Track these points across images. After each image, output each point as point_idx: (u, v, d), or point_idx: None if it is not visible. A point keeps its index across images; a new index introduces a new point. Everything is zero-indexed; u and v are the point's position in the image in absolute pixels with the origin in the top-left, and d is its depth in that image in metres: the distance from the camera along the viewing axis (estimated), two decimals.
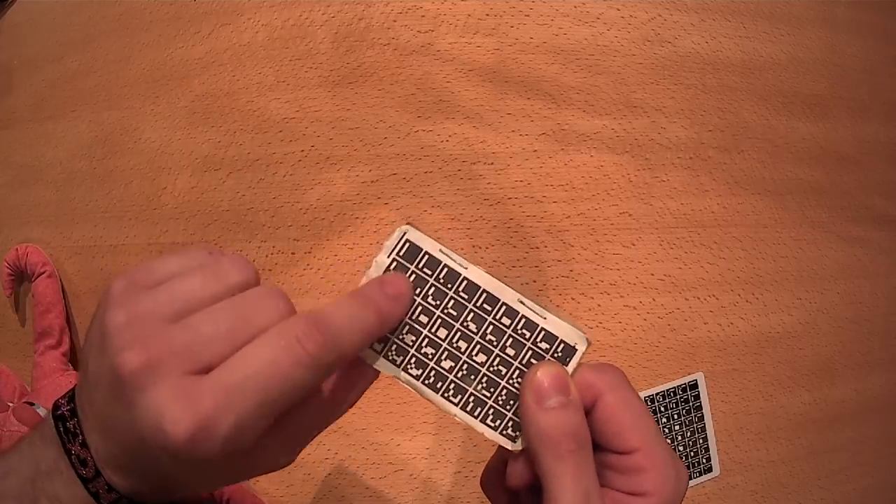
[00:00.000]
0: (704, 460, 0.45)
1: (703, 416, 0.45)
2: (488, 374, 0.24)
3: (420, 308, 0.24)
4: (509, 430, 0.24)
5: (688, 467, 0.45)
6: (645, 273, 0.45)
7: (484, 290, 0.24)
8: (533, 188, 0.44)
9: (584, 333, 0.24)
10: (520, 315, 0.24)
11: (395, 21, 0.44)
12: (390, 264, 0.24)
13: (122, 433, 0.21)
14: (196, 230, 0.47)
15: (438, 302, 0.24)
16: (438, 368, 0.24)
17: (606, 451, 0.24)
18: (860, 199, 0.48)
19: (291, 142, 0.45)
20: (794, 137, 0.47)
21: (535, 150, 0.44)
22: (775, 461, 0.46)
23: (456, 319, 0.24)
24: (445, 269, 0.24)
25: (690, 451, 0.45)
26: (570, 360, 0.24)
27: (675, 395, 0.45)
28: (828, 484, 0.47)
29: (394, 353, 0.24)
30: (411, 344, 0.24)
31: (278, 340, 0.21)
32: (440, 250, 0.24)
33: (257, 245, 0.46)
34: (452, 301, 0.24)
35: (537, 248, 0.44)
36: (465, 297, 0.24)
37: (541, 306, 0.24)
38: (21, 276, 0.50)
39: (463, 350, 0.24)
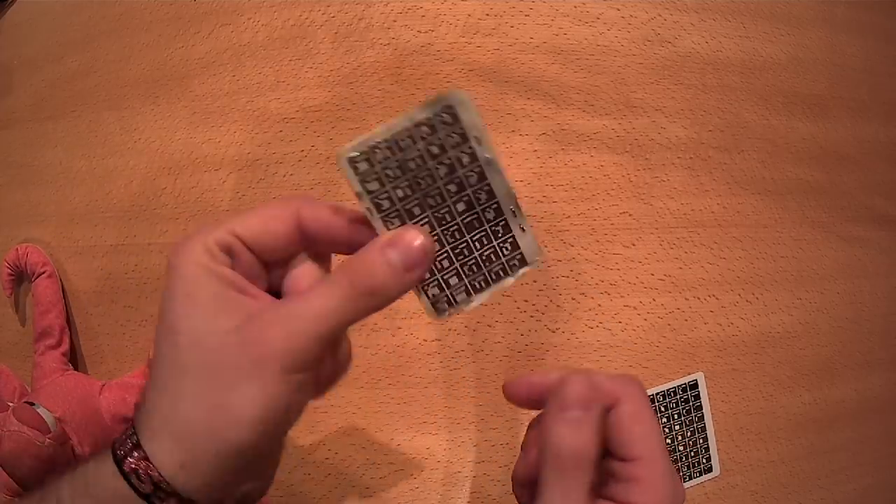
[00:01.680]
0: (704, 460, 0.45)
1: (703, 416, 0.45)
2: (450, 251, 0.25)
3: (427, 172, 0.24)
4: (440, 304, 0.26)
5: (688, 467, 0.45)
6: (645, 273, 0.45)
7: (489, 184, 0.25)
8: (533, 188, 0.44)
9: (544, 254, 0.26)
10: (503, 218, 0.25)
11: (395, 21, 0.44)
12: (423, 120, 0.24)
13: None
14: None
15: (447, 173, 0.24)
16: (409, 218, 0.25)
17: (611, 458, 0.24)
18: (860, 199, 0.48)
19: (291, 142, 0.45)
20: (794, 137, 0.47)
21: (535, 150, 0.44)
22: (775, 461, 0.46)
23: (450, 195, 0.25)
24: (469, 150, 0.24)
25: (690, 451, 0.45)
26: (519, 270, 0.26)
27: (675, 395, 0.45)
28: (828, 484, 0.47)
29: (381, 199, 0.25)
30: (401, 198, 0.25)
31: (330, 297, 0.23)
32: (475, 136, 0.24)
33: None
34: (458, 180, 0.25)
35: None
36: (471, 181, 0.25)
37: (528, 223, 0.25)
38: (21, 276, 0.51)
39: (442, 223, 0.25)
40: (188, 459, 0.22)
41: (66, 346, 0.47)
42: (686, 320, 0.45)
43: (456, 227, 0.25)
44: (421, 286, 0.26)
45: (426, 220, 0.25)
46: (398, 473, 0.45)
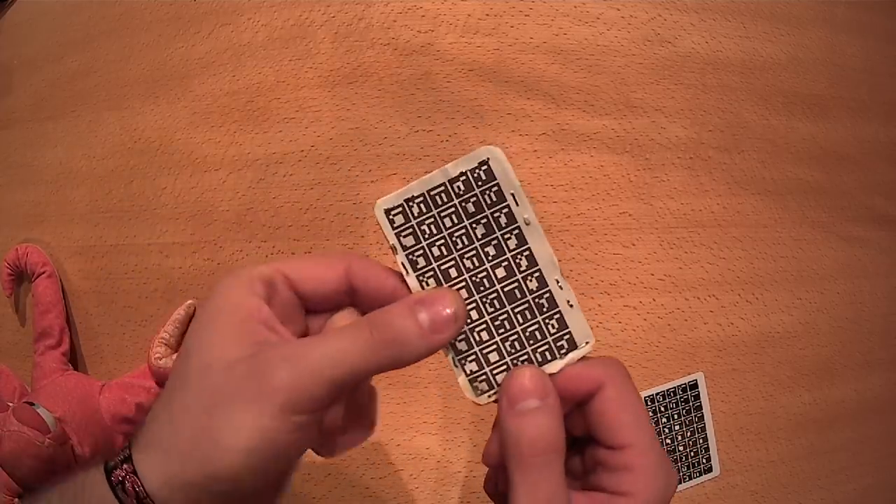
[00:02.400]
0: (704, 460, 0.45)
1: (703, 416, 0.45)
2: (490, 322, 0.24)
3: (464, 230, 0.24)
4: (478, 383, 0.24)
5: (688, 467, 0.45)
6: (645, 273, 0.45)
7: (529, 248, 0.24)
8: (533, 188, 0.44)
9: (593, 337, 0.24)
10: (548, 289, 0.24)
11: (395, 21, 0.44)
12: (458, 176, 0.23)
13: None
14: (196, 230, 0.47)
15: (484, 233, 0.24)
16: (446, 280, 0.24)
17: (598, 446, 0.23)
18: (860, 199, 0.48)
19: (291, 142, 0.45)
20: (794, 137, 0.47)
21: (535, 150, 0.44)
22: (775, 461, 0.46)
23: (489, 258, 0.24)
24: (506, 209, 0.24)
25: (690, 451, 0.45)
26: (567, 355, 0.24)
27: (675, 395, 0.45)
28: (828, 484, 0.47)
29: (416, 256, 0.24)
30: (436, 256, 0.24)
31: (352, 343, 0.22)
32: (512, 193, 0.23)
33: (257, 245, 0.46)
34: (496, 241, 0.24)
35: None
36: (510, 245, 0.24)
37: (575, 298, 0.24)
38: (21, 276, 0.51)
39: (480, 289, 0.24)
40: (174, 477, 0.21)
41: (66, 346, 0.47)
42: (686, 320, 0.45)
43: (495, 294, 0.24)
44: (458, 360, 0.24)
45: (463, 284, 0.24)
46: (398, 473, 0.45)
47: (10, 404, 0.41)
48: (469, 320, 0.24)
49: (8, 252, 0.50)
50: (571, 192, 0.44)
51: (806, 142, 0.47)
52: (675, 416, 0.45)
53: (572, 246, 0.44)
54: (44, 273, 0.48)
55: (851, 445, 0.48)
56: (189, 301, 0.46)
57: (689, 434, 0.45)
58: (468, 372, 0.24)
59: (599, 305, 0.44)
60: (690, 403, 0.45)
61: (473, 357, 0.24)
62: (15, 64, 0.53)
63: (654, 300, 0.45)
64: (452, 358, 0.24)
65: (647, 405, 0.44)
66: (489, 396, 0.24)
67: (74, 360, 0.49)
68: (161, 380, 0.44)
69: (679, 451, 0.45)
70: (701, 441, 0.45)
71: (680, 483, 0.45)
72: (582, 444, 0.25)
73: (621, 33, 0.44)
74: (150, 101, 0.48)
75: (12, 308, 0.52)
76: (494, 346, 0.24)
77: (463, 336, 0.24)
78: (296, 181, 0.45)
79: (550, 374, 0.24)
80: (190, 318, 0.46)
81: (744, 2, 0.45)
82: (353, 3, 0.45)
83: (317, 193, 0.45)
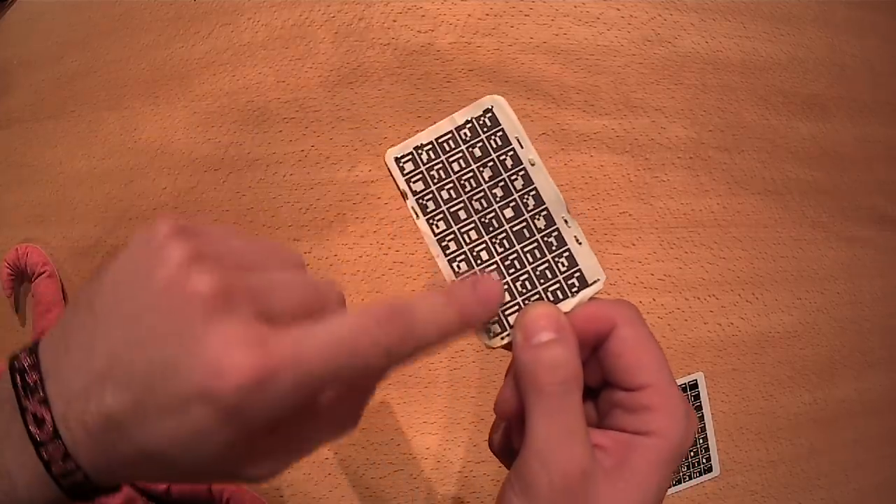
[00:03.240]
0: (704, 460, 0.45)
1: (703, 416, 0.45)
2: (500, 262, 0.24)
3: (471, 173, 0.24)
4: (490, 325, 0.24)
5: (688, 467, 0.45)
6: (645, 273, 0.45)
7: (535, 188, 0.24)
8: None
9: (604, 275, 0.24)
10: (555, 227, 0.24)
11: (395, 21, 0.44)
12: (465, 123, 0.24)
13: (142, 379, 0.18)
14: None
15: (491, 175, 0.24)
16: (459, 234, 0.24)
17: (615, 388, 0.23)
18: (860, 199, 0.48)
19: (291, 142, 0.45)
20: (794, 137, 0.47)
21: (535, 150, 0.44)
22: (775, 461, 0.46)
23: (497, 200, 0.24)
24: (511, 153, 0.24)
25: (690, 450, 0.45)
26: (580, 292, 0.24)
27: None
28: (828, 484, 0.47)
29: (426, 200, 0.24)
30: (445, 200, 0.24)
31: (357, 318, 0.19)
32: (516, 137, 0.24)
33: None
34: (503, 183, 0.24)
35: None
36: (517, 185, 0.24)
37: (583, 234, 0.24)
38: (21, 276, 0.50)
39: (490, 230, 0.24)
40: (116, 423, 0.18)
41: None
42: (686, 320, 0.45)
43: (504, 234, 0.24)
44: None
45: (472, 225, 0.24)
46: (398, 473, 0.45)
47: None
48: (479, 261, 0.24)
49: (8, 252, 0.50)
50: (571, 192, 0.44)
51: (806, 142, 0.47)
52: None
53: None
54: (44, 273, 0.48)
55: (851, 445, 0.48)
56: None
57: None
58: None
59: None
60: (690, 403, 0.45)
61: None
62: (15, 64, 0.53)
63: (654, 300, 0.45)
64: None
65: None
66: (501, 339, 0.24)
67: None
68: None
69: None
70: (701, 441, 0.45)
71: (680, 483, 0.45)
72: (594, 392, 0.24)
73: (621, 33, 0.44)
74: (150, 101, 0.48)
75: (12, 308, 0.52)
76: (505, 287, 0.24)
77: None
78: (296, 181, 0.45)
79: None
80: None
81: (744, 2, 0.45)
82: (353, 3, 0.45)
83: (317, 193, 0.45)
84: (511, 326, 0.24)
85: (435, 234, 0.24)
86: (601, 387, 0.24)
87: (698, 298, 0.45)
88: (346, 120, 0.45)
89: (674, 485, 0.44)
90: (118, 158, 0.49)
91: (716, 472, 0.45)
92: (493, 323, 0.24)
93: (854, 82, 0.48)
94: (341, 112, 0.45)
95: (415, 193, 0.24)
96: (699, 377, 0.45)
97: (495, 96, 0.24)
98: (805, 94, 0.47)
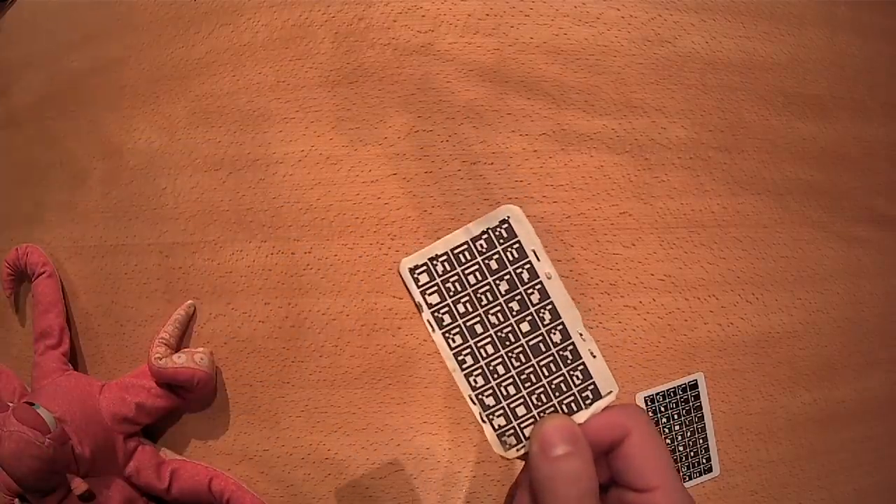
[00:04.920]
0: (704, 460, 0.45)
1: (703, 416, 0.45)
2: (516, 377, 0.24)
3: (488, 287, 0.24)
4: (506, 437, 0.25)
5: (688, 467, 0.45)
6: (645, 273, 0.45)
7: (551, 302, 0.24)
8: (533, 188, 0.44)
9: (617, 387, 0.25)
10: (571, 341, 0.25)
11: (395, 21, 0.44)
12: (480, 234, 0.24)
13: None
14: (196, 230, 0.47)
15: (507, 289, 0.24)
16: (476, 349, 0.24)
17: (625, 488, 0.24)
18: (860, 199, 0.48)
19: (291, 142, 0.45)
20: (794, 137, 0.47)
21: (535, 150, 0.44)
22: (775, 461, 0.46)
23: (513, 314, 0.24)
24: (528, 265, 0.24)
25: (690, 451, 0.45)
26: (593, 404, 0.25)
27: (675, 395, 0.45)
28: (828, 484, 0.47)
29: (442, 313, 0.24)
30: (462, 313, 0.24)
31: None
32: (533, 250, 0.24)
33: (257, 245, 0.46)
34: (519, 297, 0.24)
35: None
36: (533, 300, 0.24)
37: (597, 348, 0.25)
38: (21, 276, 0.51)
39: (506, 344, 0.24)
40: None
41: (66, 346, 0.47)
42: (686, 320, 0.45)
43: (521, 349, 0.24)
44: (486, 415, 0.25)
45: (489, 339, 0.24)
46: (398, 473, 0.45)
47: (10, 404, 0.41)
48: (496, 375, 0.25)
49: (8, 252, 0.50)
50: (571, 192, 0.44)
51: (806, 142, 0.47)
52: (675, 417, 0.45)
53: (572, 246, 0.44)
54: (44, 273, 0.48)
55: (851, 445, 0.48)
56: (189, 301, 0.46)
57: (689, 434, 0.45)
58: (496, 426, 0.25)
59: (599, 305, 0.44)
60: (690, 403, 0.45)
61: (501, 411, 0.25)
62: (15, 64, 0.53)
63: (654, 300, 0.45)
64: (480, 413, 0.25)
65: (647, 405, 0.44)
66: (517, 450, 0.25)
67: (74, 360, 0.49)
68: (161, 380, 0.44)
69: (679, 451, 0.45)
70: (701, 441, 0.45)
71: None
72: (602, 489, 0.25)
73: (621, 33, 0.44)
74: (150, 101, 0.48)
75: (12, 308, 0.52)
76: (521, 400, 0.25)
77: (490, 391, 0.25)
78: (296, 181, 0.45)
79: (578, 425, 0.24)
80: (190, 318, 0.46)
81: (744, 2, 0.45)
82: (353, 3, 0.45)
83: (317, 193, 0.45)
84: (526, 438, 0.25)
85: (451, 349, 0.24)
86: (609, 485, 0.25)
87: (698, 298, 0.45)
88: (346, 120, 0.45)
89: None
90: (118, 158, 0.49)
91: (716, 472, 0.45)
92: (510, 435, 0.25)
93: (854, 82, 0.48)
94: (341, 112, 0.45)
95: (430, 306, 0.24)
96: (699, 377, 0.45)
97: (511, 206, 0.24)
98: (805, 95, 0.47)
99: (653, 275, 0.45)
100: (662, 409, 0.45)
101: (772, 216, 0.46)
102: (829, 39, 0.47)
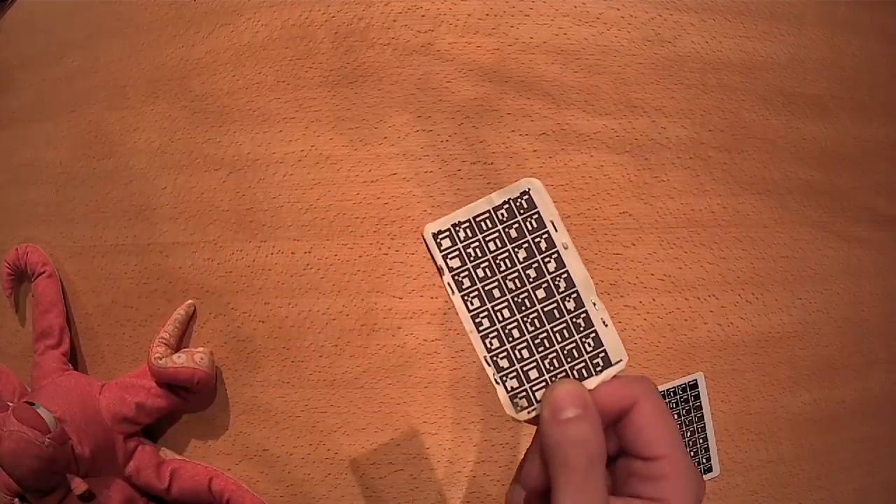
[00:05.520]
0: (704, 460, 0.45)
1: (703, 416, 0.45)
2: (530, 341, 0.25)
3: (507, 254, 0.25)
4: (518, 399, 0.25)
5: None
6: (645, 273, 0.45)
7: (567, 271, 0.25)
8: None
9: (626, 355, 0.25)
10: (584, 309, 0.25)
11: (395, 21, 0.44)
12: (502, 204, 0.26)
13: None
14: (196, 230, 0.47)
15: (525, 257, 0.25)
16: (493, 312, 0.25)
17: (633, 457, 0.24)
18: (860, 199, 0.48)
19: (291, 142, 0.45)
20: (794, 137, 0.47)
21: (535, 150, 0.44)
22: (775, 461, 0.46)
23: (530, 280, 0.25)
24: (546, 235, 0.25)
25: (690, 451, 0.45)
26: (603, 371, 0.25)
27: (675, 395, 0.45)
28: (828, 484, 0.47)
29: (462, 277, 0.25)
30: (481, 278, 0.25)
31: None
32: (551, 220, 0.25)
33: (257, 245, 0.46)
34: (537, 264, 0.25)
35: None
36: (549, 268, 0.25)
37: (609, 317, 0.26)
38: (21, 276, 0.51)
39: (522, 309, 0.25)
40: None
41: (66, 346, 0.47)
42: (686, 320, 0.45)
43: (535, 314, 0.25)
44: (499, 377, 0.25)
45: (505, 303, 0.25)
46: (398, 473, 0.45)
47: (10, 404, 0.41)
48: (511, 338, 0.25)
49: (8, 252, 0.50)
50: (571, 192, 0.44)
51: (806, 142, 0.47)
52: (675, 416, 0.45)
53: None
54: (44, 273, 0.48)
55: (851, 445, 0.48)
56: (189, 301, 0.46)
57: (689, 434, 0.45)
58: (509, 388, 0.26)
59: None
60: (690, 403, 0.45)
61: (514, 374, 0.25)
62: (15, 64, 0.53)
63: (654, 300, 0.45)
64: (494, 374, 0.25)
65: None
66: (528, 413, 0.25)
67: (74, 360, 0.49)
68: (161, 380, 0.44)
69: None
70: (701, 441, 0.45)
71: None
72: (610, 460, 0.26)
73: (621, 33, 0.44)
74: (150, 101, 0.48)
75: (12, 308, 0.52)
76: (534, 364, 0.25)
77: (504, 353, 0.25)
78: (296, 181, 0.45)
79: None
80: (190, 318, 0.46)
81: (744, 2, 0.45)
82: (353, 3, 0.45)
83: (317, 193, 0.45)
84: (538, 401, 0.25)
85: (469, 311, 0.25)
86: (617, 455, 0.25)
87: (698, 298, 0.45)
88: (346, 120, 0.45)
89: None
90: (118, 158, 0.49)
91: (716, 472, 0.45)
92: (522, 397, 0.25)
93: (854, 82, 0.48)
94: (341, 112, 0.45)
95: (451, 270, 0.25)
96: (699, 377, 0.45)
97: (532, 179, 0.26)
98: (805, 95, 0.47)
99: (653, 275, 0.45)
100: None
101: (772, 216, 0.46)
102: (829, 39, 0.47)
